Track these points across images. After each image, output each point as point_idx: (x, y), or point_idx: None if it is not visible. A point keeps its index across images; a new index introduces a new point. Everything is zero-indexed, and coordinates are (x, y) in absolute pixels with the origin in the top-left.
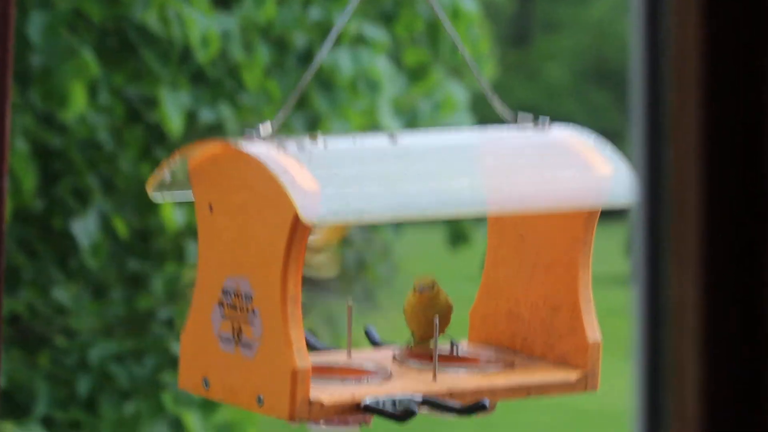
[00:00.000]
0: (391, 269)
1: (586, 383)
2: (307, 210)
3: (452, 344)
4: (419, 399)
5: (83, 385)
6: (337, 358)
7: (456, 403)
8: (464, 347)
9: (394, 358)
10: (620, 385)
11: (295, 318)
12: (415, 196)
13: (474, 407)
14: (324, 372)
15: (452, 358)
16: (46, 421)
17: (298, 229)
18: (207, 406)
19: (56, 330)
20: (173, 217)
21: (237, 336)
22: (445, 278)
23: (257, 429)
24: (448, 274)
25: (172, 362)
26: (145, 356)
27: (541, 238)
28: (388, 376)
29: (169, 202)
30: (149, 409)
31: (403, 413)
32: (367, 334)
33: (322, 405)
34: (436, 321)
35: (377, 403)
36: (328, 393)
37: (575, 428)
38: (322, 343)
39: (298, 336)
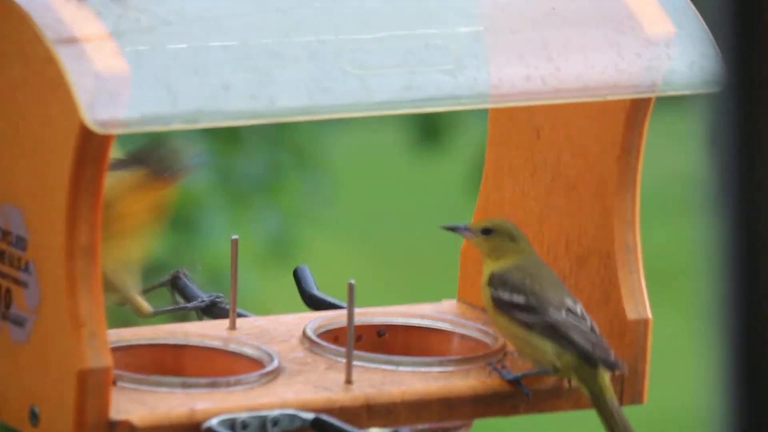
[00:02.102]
0: (325, 184)
1: (621, 391)
2: (99, 109)
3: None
4: (309, 418)
5: None
6: (204, 334)
7: (356, 429)
8: (427, 314)
9: (304, 335)
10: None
11: (88, 281)
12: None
13: None
14: (176, 362)
15: (408, 333)
16: None
17: (91, 138)
18: None
19: None
20: None
21: (4, 304)
22: (408, 202)
23: None
24: (414, 196)
25: None
26: None
27: (563, 137)
28: (270, 377)
29: None
30: None
31: None
32: (296, 278)
33: (132, 428)
34: (351, 283)
35: (230, 426)
36: (148, 407)
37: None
38: (204, 293)
39: (93, 313)
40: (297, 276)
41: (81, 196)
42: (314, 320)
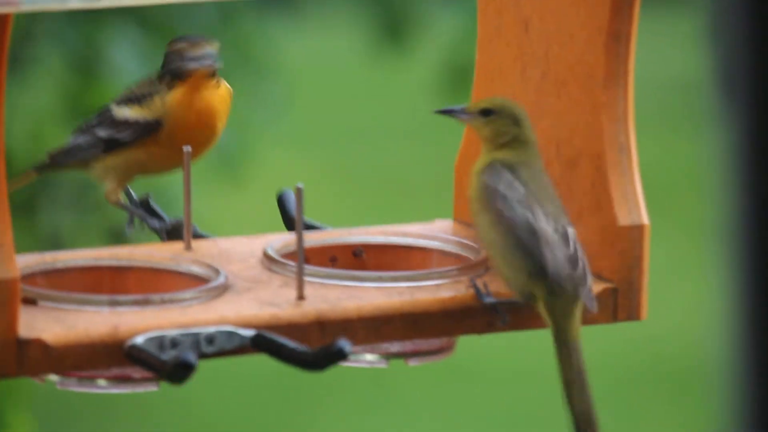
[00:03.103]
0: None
1: (615, 306)
2: None
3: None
4: (249, 335)
5: None
6: (152, 252)
7: (302, 347)
8: (411, 233)
9: (265, 255)
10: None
11: None
12: None
13: (325, 355)
14: (105, 287)
15: (385, 253)
16: None
17: None
18: None
19: None
20: None
21: None
22: (371, 112)
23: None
24: (377, 105)
25: None
26: None
27: (551, 27)
28: (214, 292)
29: None
30: None
31: (172, 367)
32: (280, 204)
33: (44, 347)
34: (299, 187)
35: (159, 344)
36: (66, 325)
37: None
38: (167, 217)
39: None
40: (281, 201)
41: None
42: (278, 240)
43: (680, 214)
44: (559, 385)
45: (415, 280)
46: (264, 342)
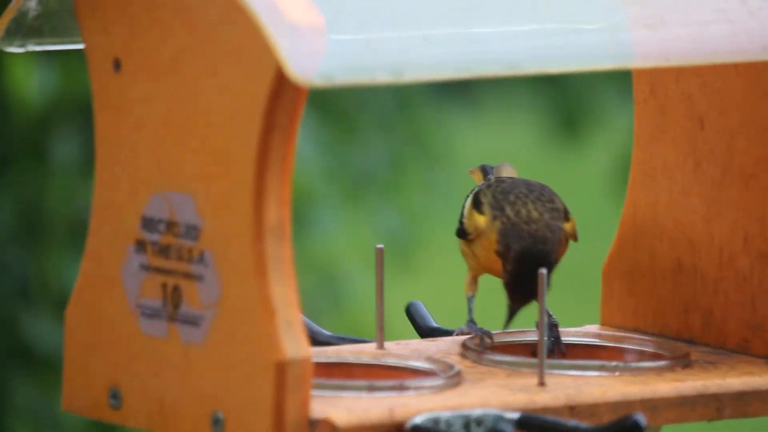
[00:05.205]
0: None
1: None
2: (302, 61)
3: (550, 327)
4: (515, 417)
5: None
6: (358, 351)
7: (583, 423)
8: (589, 331)
9: (464, 349)
10: None
11: (279, 263)
12: (489, 44)
13: (618, 428)
14: (337, 373)
15: (573, 351)
16: None
17: (283, 95)
18: None
19: None
20: (33, 84)
21: (173, 304)
22: None
23: None
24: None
25: (30, 359)
26: None
27: (734, 121)
28: (455, 381)
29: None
30: None
31: None
32: (410, 315)
33: (333, 428)
34: (543, 274)
35: (435, 423)
36: (343, 408)
37: None
38: (326, 331)
39: (286, 298)
40: (410, 312)
41: (268, 168)
42: (469, 338)
43: None
44: None
45: (634, 371)
46: (532, 423)
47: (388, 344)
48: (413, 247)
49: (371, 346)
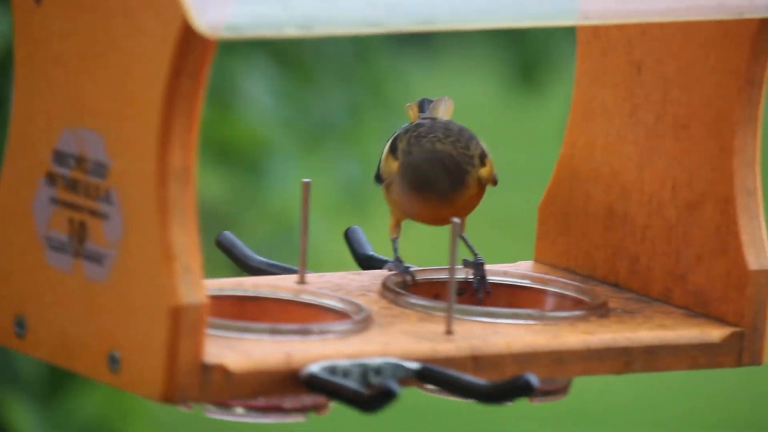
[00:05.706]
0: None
1: (740, 350)
2: (207, 10)
3: (476, 266)
4: (415, 368)
5: None
6: (276, 285)
7: (478, 380)
8: (517, 271)
9: (384, 288)
10: None
11: (182, 209)
12: None
13: (510, 387)
14: (250, 309)
15: (497, 292)
16: None
17: (191, 43)
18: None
19: None
20: None
21: (78, 239)
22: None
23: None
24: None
25: None
26: None
27: (670, 70)
28: (362, 325)
29: None
30: None
31: (374, 396)
32: (348, 240)
33: (226, 373)
34: (457, 223)
35: (332, 372)
36: (241, 352)
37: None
38: (258, 255)
39: (186, 244)
40: (349, 237)
41: (175, 114)
42: (391, 275)
43: None
44: None
45: (547, 320)
46: (431, 374)
47: (310, 276)
48: (372, 196)
49: (293, 279)
